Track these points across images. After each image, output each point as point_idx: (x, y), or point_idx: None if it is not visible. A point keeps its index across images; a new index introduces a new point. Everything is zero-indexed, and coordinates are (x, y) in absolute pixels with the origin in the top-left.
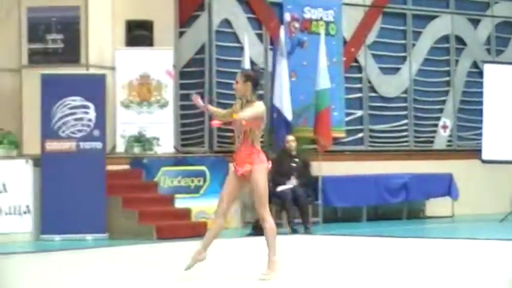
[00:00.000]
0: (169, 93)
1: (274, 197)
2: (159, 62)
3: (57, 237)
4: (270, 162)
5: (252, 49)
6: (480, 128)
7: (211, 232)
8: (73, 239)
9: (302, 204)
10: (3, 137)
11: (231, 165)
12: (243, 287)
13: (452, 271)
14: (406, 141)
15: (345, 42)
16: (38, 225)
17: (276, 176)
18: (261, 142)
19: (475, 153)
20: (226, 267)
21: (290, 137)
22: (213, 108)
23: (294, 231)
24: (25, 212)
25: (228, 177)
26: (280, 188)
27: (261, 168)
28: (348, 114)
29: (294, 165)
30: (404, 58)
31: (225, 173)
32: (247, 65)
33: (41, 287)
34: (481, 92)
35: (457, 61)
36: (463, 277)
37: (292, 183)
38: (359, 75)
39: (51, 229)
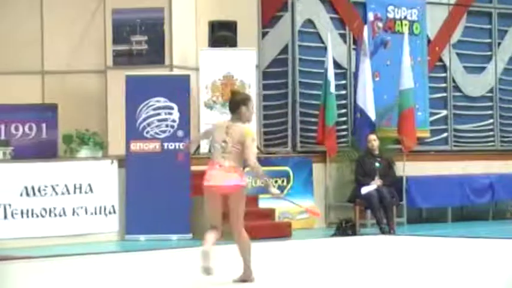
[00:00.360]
0: (252, 93)
1: (358, 197)
2: (242, 62)
3: (141, 237)
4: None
5: (335, 49)
6: None
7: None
8: (157, 239)
9: (387, 204)
10: (89, 138)
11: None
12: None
13: None
14: (492, 141)
15: (429, 41)
16: (123, 225)
17: (360, 177)
18: (344, 142)
19: None
20: (313, 267)
21: (372, 136)
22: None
23: (383, 232)
24: (110, 212)
25: (208, 204)
26: (364, 189)
27: (244, 189)
28: (432, 114)
29: (377, 165)
30: (489, 57)
31: (308, 173)
32: (330, 66)
33: (126, 287)
34: None
35: None
36: None
37: (376, 183)
38: (443, 74)
39: (136, 229)
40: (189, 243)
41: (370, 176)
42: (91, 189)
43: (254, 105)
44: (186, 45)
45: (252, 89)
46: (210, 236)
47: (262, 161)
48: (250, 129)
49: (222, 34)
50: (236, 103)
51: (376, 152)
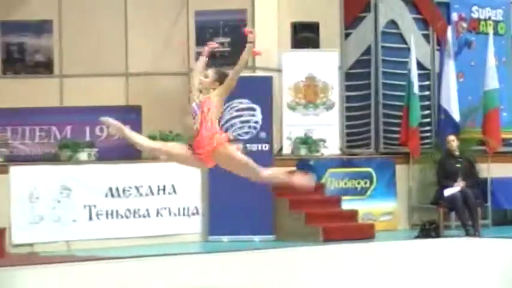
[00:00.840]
0: (335, 95)
1: (442, 199)
2: (325, 63)
3: (225, 238)
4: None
5: (418, 50)
6: None
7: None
8: (241, 240)
9: (472, 206)
10: (172, 139)
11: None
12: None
13: None
14: None
15: None
16: (206, 226)
17: (442, 179)
18: (428, 144)
19: None
20: (396, 270)
21: (451, 137)
22: None
23: (468, 233)
24: (193, 213)
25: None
26: (447, 191)
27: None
28: None
29: (458, 166)
30: None
31: (391, 174)
32: (413, 66)
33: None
34: None
35: None
36: None
37: (459, 185)
38: None
39: (219, 230)
40: (272, 245)
41: (452, 178)
42: (174, 191)
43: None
44: (269, 47)
45: (335, 91)
46: None
47: (345, 163)
48: None
49: (305, 35)
50: None
51: (457, 153)
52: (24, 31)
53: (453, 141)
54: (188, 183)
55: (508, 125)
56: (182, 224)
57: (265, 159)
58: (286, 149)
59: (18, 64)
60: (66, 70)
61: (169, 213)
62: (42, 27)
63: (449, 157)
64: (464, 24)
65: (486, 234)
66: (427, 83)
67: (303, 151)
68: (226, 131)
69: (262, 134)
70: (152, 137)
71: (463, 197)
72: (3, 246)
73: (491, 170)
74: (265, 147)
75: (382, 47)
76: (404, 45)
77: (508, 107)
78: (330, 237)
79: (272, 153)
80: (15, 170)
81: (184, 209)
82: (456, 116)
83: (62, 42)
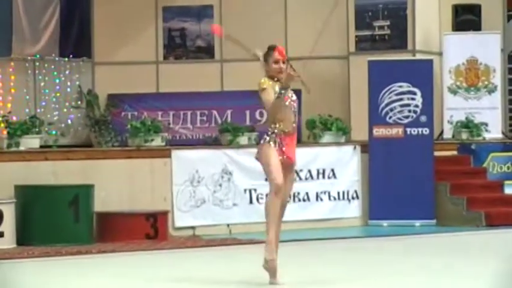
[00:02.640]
0: (497, 78)
1: None
2: (486, 46)
3: (384, 223)
4: None
5: None
6: None
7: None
8: (401, 225)
9: None
10: (332, 123)
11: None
12: None
13: None
14: None
15: None
16: (366, 210)
17: None
18: None
19: None
20: None
21: None
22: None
23: None
24: (353, 198)
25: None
26: None
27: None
28: None
29: None
30: None
31: None
32: None
33: (370, 272)
34: None
35: None
36: None
37: None
38: None
39: (379, 214)
40: (432, 230)
41: None
42: (334, 175)
43: (274, 56)
44: (429, 30)
45: (497, 73)
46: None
47: (508, 147)
48: (261, 80)
49: (466, 18)
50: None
51: None
52: (185, 16)
53: None
54: (348, 168)
55: None
56: (342, 208)
57: (426, 143)
58: (447, 133)
59: (179, 49)
60: (226, 55)
61: (329, 198)
62: (203, 13)
63: None
64: None
65: None
66: None
67: (465, 135)
68: (386, 114)
69: (423, 118)
70: (311, 121)
71: None
72: (166, 229)
73: None
74: (426, 131)
75: None
76: None
77: None
78: (492, 222)
79: (433, 137)
80: (177, 154)
81: (344, 193)
82: None
83: (223, 27)
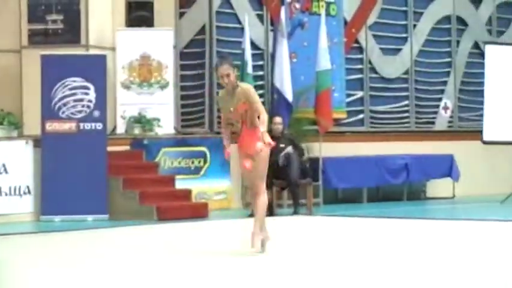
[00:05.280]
0: (169, 74)
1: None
2: (159, 42)
3: (57, 218)
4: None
5: (252, 30)
6: (481, 109)
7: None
8: (73, 220)
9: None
10: (4, 117)
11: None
12: (241, 265)
13: (452, 252)
14: (407, 122)
15: (345, 22)
16: (38, 206)
17: None
18: None
19: (476, 134)
20: (227, 247)
21: (277, 119)
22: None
23: (296, 212)
24: (25, 193)
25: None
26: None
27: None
28: (348, 95)
29: (282, 146)
30: (405, 39)
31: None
32: (247, 46)
33: (41, 268)
34: (482, 73)
35: (458, 42)
36: (462, 258)
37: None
38: (360, 56)
39: (51, 210)
40: (105, 224)
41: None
42: (5, 170)
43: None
44: (103, 25)
45: (170, 70)
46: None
47: (179, 142)
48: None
49: (139, 14)
50: None
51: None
52: None
53: (279, 124)
54: (20, 163)
55: (340, 105)
56: (13, 204)
57: (99, 138)
58: (120, 128)
59: None
60: None
61: (0, 193)
62: None
63: (273, 139)
64: (298, 5)
65: (318, 212)
66: (260, 63)
67: (137, 130)
68: (59, 109)
69: (96, 113)
70: None
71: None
72: None
73: (322, 150)
74: (99, 126)
75: (217, 26)
76: (238, 25)
77: (339, 87)
78: (163, 216)
79: (106, 132)
80: None
81: (15, 188)
82: (289, 96)
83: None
